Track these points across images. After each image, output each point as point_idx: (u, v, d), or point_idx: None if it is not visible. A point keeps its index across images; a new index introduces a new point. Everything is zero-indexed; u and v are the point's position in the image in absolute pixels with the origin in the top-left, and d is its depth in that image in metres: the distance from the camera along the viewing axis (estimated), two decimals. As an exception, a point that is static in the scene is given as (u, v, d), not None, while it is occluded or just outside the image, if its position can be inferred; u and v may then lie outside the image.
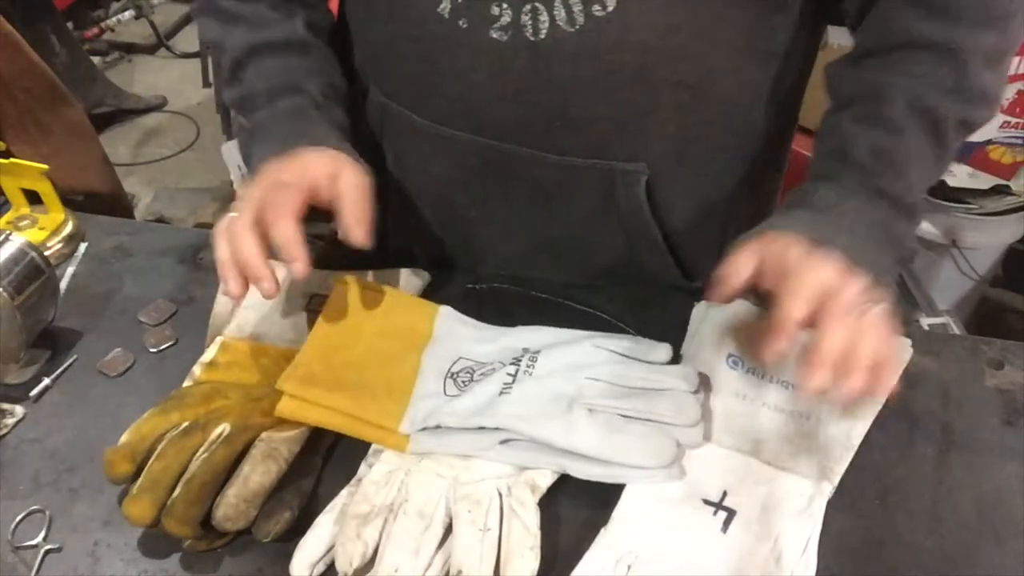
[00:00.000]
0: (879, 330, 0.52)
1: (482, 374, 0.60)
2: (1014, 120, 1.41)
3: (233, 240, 0.55)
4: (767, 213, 0.76)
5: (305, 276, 0.55)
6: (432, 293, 0.72)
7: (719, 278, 0.57)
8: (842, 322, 0.51)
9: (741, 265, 0.56)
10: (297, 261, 0.54)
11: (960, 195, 1.54)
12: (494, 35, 0.59)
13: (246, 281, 0.55)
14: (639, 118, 0.62)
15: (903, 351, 0.63)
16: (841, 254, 0.54)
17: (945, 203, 1.56)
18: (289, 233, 0.54)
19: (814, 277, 0.53)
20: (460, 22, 0.59)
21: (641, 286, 0.75)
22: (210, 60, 2.70)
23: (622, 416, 0.55)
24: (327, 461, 0.58)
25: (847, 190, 0.59)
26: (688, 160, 0.66)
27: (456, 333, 0.65)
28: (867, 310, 0.53)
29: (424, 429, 0.56)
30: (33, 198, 0.80)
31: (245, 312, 0.66)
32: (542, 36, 0.58)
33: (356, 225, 0.57)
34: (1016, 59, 1.33)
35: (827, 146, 0.63)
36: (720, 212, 0.73)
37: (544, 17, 0.57)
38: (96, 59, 3.05)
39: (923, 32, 0.59)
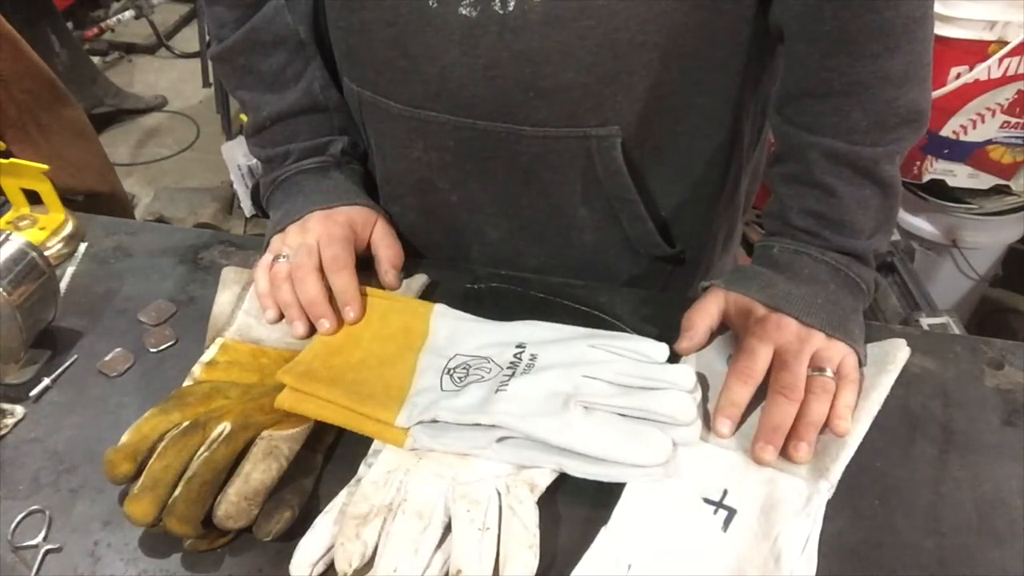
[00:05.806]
0: (826, 395, 0.57)
1: (478, 370, 0.60)
2: (1014, 120, 1.41)
3: (299, 283, 0.65)
4: (742, 175, 0.78)
5: (358, 320, 0.65)
6: (431, 295, 0.72)
7: (685, 326, 0.64)
8: (786, 396, 0.56)
9: (707, 318, 0.63)
10: (353, 306, 0.65)
11: (960, 195, 1.54)
12: (464, 12, 0.60)
13: (309, 320, 0.65)
14: (609, 81, 0.62)
15: (900, 351, 0.63)
16: (793, 320, 0.59)
17: (945, 203, 1.56)
18: (349, 283, 0.66)
19: (763, 353, 0.58)
20: (431, 2, 0.60)
21: (623, 259, 0.76)
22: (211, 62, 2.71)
23: (618, 414, 0.55)
24: (327, 460, 0.58)
25: (801, 244, 0.63)
26: (659, 121, 0.67)
27: (452, 330, 0.65)
28: (816, 376, 0.58)
29: (421, 423, 0.56)
30: (33, 198, 0.80)
31: (245, 318, 0.66)
32: (510, 8, 0.59)
33: (391, 269, 0.71)
34: (1016, 59, 1.32)
35: (770, 206, 0.66)
36: (696, 174, 0.73)
37: None
38: (96, 59, 3.06)
39: (828, 76, 0.59)
